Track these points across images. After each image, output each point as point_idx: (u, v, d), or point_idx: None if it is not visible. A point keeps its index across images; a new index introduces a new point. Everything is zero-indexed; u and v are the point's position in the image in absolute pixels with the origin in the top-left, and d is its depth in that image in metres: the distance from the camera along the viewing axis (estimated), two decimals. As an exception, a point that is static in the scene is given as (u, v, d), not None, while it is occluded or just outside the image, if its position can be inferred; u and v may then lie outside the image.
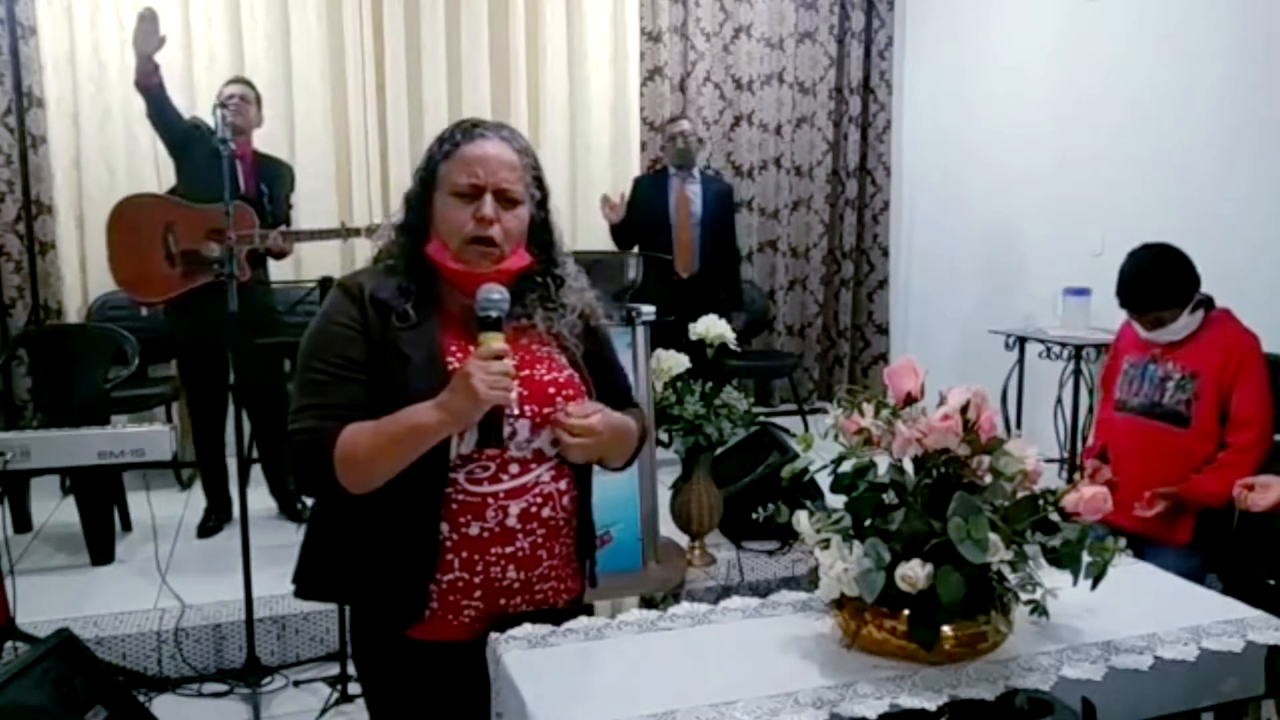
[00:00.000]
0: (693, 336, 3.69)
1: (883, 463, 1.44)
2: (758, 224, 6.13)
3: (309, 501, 1.73)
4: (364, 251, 4.01)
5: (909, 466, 1.41)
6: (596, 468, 1.66)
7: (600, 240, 5.06)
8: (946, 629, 1.36)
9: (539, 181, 1.63)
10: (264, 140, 4.27)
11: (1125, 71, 4.51)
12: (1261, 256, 3.83)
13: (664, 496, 3.60)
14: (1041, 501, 1.41)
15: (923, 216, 6.12)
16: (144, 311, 4.03)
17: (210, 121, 3.66)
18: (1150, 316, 2.85)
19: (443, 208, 1.57)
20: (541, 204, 1.63)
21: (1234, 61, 3.99)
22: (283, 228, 3.95)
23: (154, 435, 3.34)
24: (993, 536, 1.33)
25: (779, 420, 4.75)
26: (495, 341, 1.44)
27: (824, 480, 1.50)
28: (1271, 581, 2.72)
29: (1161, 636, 1.49)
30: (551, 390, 1.56)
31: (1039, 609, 1.43)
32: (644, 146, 5.80)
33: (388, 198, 5.23)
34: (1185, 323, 2.83)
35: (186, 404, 4.36)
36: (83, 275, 5.02)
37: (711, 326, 3.67)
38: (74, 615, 3.11)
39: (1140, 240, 2.94)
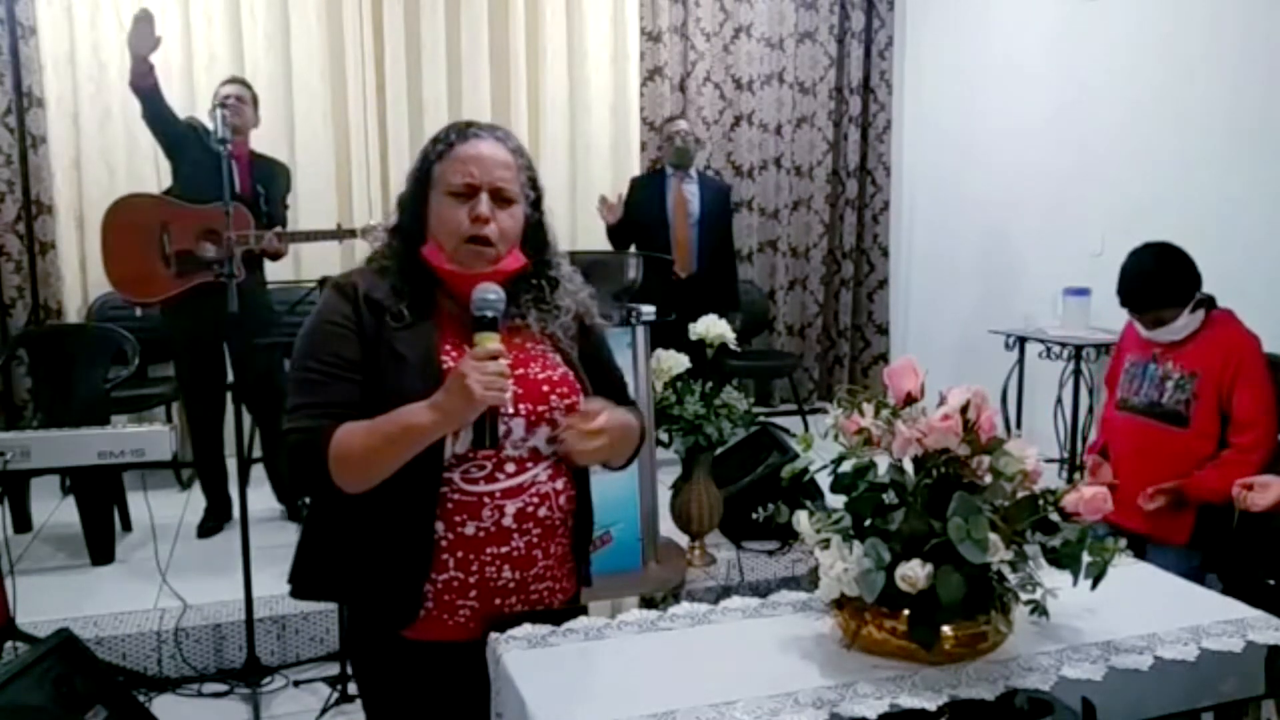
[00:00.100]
0: (693, 336, 3.69)
1: (883, 463, 1.44)
2: (758, 224, 6.13)
3: (310, 502, 1.73)
4: (363, 252, 4.00)
5: (909, 466, 1.41)
6: (596, 467, 1.66)
7: (601, 240, 5.05)
8: (946, 629, 1.36)
9: (533, 182, 1.63)
10: (263, 140, 4.27)
11: (1125, 71, 4.51)
12: (1261, 256, 3.83)
13: (664, 496, 3.60)
14: (1041, 501, 1.41)
15: (923, 216, 6.12)
16: (138, 312, 4.03)
17: (207, 122, 3.67)
18: (1150, 316, 2.85)
19: (438, 208, 1.57)
20: (536, 204, 1.64)
21: (1234, 61, 3.99)
22: (278, 229, 3.95)
23: (154, 435, 3.34)
24: (993, 536, 1.33)
25: (779, 420, 4.75)
26: (491, 341, 1.44)
27: (824, 480, 1.50)
28: (1271, 581, 2.72)
29: (1161, 636, 1.49)
30: (546, 389, 1.56)
31: (1039, 609, 1.43)
32: (644, 147, 5.80)
33: (388, 198, 5.22)
34: (1185, 322, 2.82)
35: (183, 404, 4.36)
36: (83, 275, 5.02)
37: (711, 326, 3.67)
38: (74, 615, 3.11)
39: (1140, 240, 2.94)
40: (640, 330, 3.32)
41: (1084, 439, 4.44)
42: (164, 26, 3.68)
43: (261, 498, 3.94)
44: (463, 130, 1.59)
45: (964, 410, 1.38)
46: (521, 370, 1.55)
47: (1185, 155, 4.21)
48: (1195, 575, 2.36)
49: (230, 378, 3.99)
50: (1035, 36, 5.06)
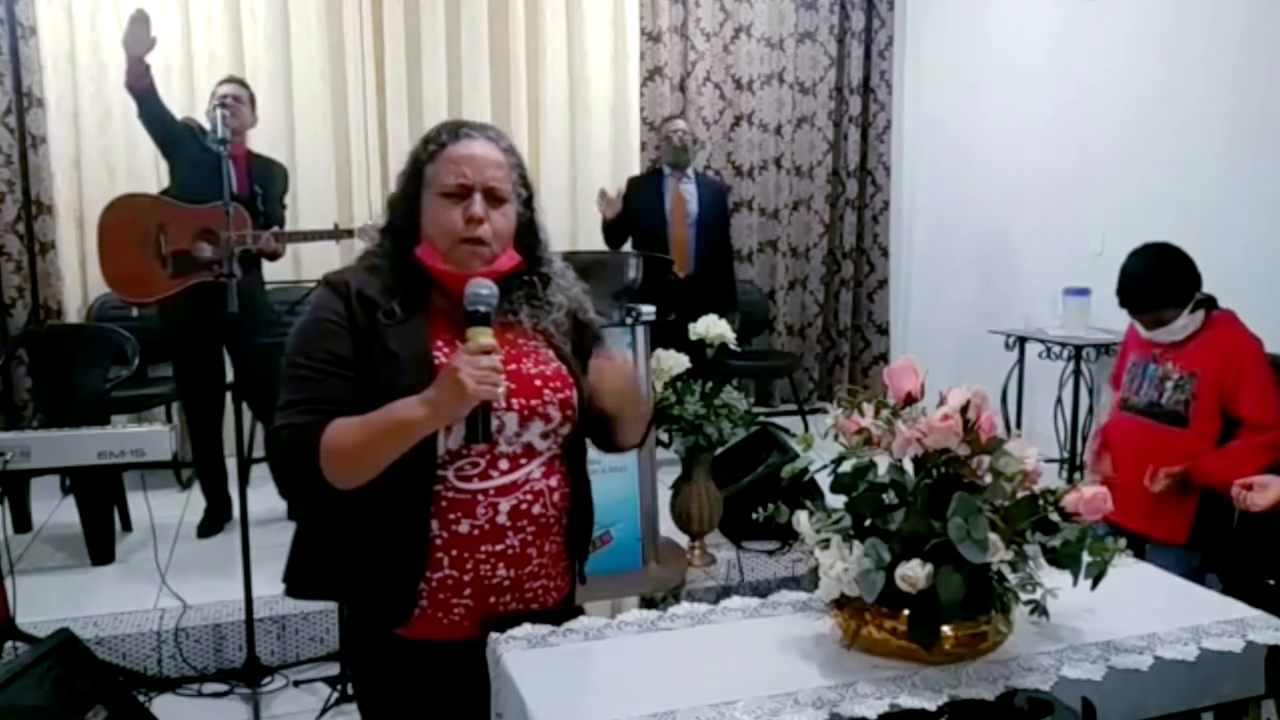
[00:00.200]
0: (692, 336, 3.69)
1: (883, 463, 1.43)
2: (758, 224, 6.13)
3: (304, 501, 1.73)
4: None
5: (909, 466, 1.41)
6: (592, 464, 1.67)
7: (601, 241, 5.05)
8: (946, 629, 1.36)
9: (524, 180, 1.63)
10: (263, 140, 4.27)
11: (1125, 71, 4.51)
12: (1261, 256, 3.83)
13: (664, 496, 3.60)
14: (1041, 501, 1.41)
15: (923, 216, 6.12)
16: (135, 311, 4.03)
17: (204, 122, 3.66)
18: (1150, 316, 2.85)
19: (431, 209, 1.56)
20: (528, 203, 1.64)
21: (1234, 61, 3.99)
22: (275, 229, 3.95)
23: (154, 435, 3.34)
24: (993, 536, 1.33)
25: (779, 420, 4.74)
26: (483, 336, 1.43)
27: (824, 480, 1.50)
28: (1271, 581, 2.72)
29: (1161, 636, 1.49)
30: (539, 384, 1.56)
31: (1039, 609, 1.43)
32: (644, 147, 5.79)
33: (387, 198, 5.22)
34: (1185, 323, 2.82)
35: (181, 405, 4.36)
36: (83, 275, 5.03)
37: (711, 326, 3.67)
38: (74, 615, 3.11)
39: (1140, 240, 2.94)
40: (640, 330, 3.32)
41: (1084, 439, 4.44)
42: (164, 26, 3.69)
43: (261, 498, 3.94)
44: (454, 130, 1.59)
45: (964, 410, 1.38)
46: (514, 365, 1.55)
47: (1185, 155, 4.21)
48: (1195, 575, 2.36)
49: (230, 378, 3.99)
50: (1035, 36, 5.06)
